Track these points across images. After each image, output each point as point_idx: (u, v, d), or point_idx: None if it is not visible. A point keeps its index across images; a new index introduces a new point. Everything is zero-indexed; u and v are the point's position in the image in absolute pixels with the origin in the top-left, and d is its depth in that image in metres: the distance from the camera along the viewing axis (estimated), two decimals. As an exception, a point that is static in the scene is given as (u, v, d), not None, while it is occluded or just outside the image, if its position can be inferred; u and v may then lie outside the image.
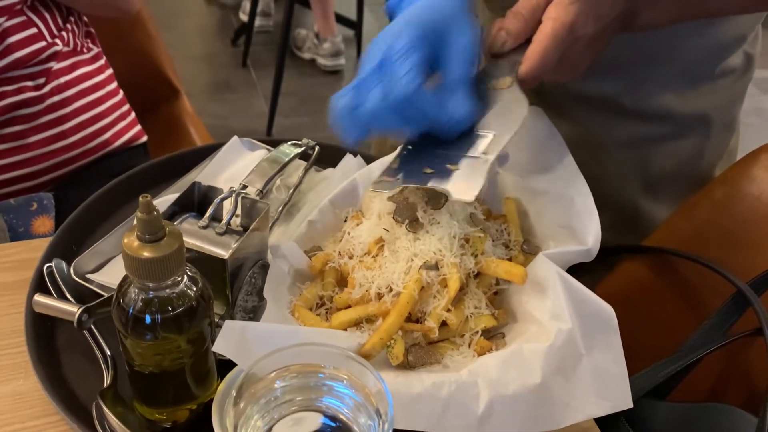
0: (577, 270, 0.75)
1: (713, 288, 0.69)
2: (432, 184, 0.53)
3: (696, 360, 0.62)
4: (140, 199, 0.41)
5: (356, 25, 2.69)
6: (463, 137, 0.55)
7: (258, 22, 2.66)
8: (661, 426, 0.63)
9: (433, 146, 0.56)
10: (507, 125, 0.55)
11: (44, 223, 0.90)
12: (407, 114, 0.51)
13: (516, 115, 0.56)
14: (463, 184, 0.52)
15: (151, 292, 0.44)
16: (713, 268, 0.66)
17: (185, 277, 0.46)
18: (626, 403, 0.53)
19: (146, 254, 0.42)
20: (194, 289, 0.46)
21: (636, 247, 0.75)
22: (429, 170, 0.54)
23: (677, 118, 0.74)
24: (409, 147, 0.57)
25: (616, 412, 0.54)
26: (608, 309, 0.54)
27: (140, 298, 0.44)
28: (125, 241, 0.42)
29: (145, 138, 1.08)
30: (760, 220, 0.68)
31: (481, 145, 0.55)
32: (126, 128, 1.05)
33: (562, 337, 0.51)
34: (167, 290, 0.44)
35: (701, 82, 0.73)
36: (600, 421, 0.58)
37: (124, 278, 0.45)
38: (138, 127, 1.07)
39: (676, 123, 0.74)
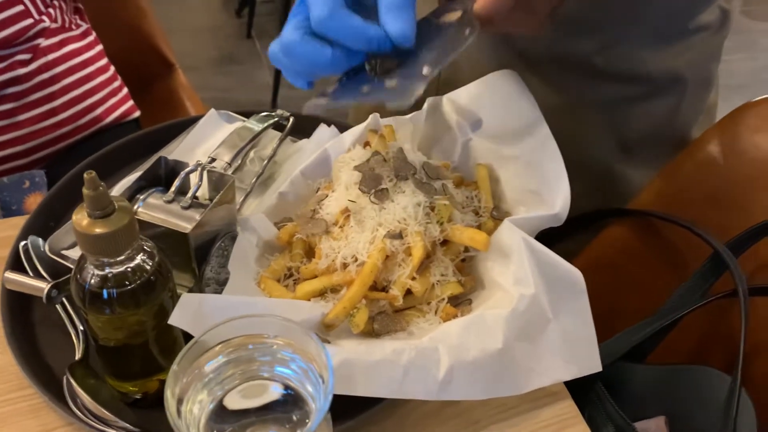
0: (560, 236, 0.75)
1: (697, 250, 0.68)
2: (365, 99, 0.51)
3: (673, 322, 0.62)
4: (85, 175, 0.41)
5: None
6: (404, 63, 0.52)
7: (261, -9, 2.64)
8: (639, 388, 0.63)
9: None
10: (450, 48, 0.52)
11: (37, 200, 0.92)
12: (333, 36, 0.48)
13: (460, 40, 0.52)
14: (400, 94, 0.49)
15: (106, 268, 0.45)
16: (692, 229, 0.65)
17: (141, 251, 0.46)
18: (595, 366, 0.54)
19: (97, 230, 0.42)
20: (151, 263, 0.46)
21: (618, 210, 0.74)
22: (366, 89, 0.51)
23: (651, 77, 0.72)
24: (349, 74, 0.53)
25: (591, 375, 0.54)
26: (575, 272, 0.54)
27: (96, 273, 0.45)
28: (75, 217, 0.42)
29: (137, 113, 1.08)
30: (743, 180, 0.67)
31: (422, 65, 0.52)
32: (117, 104, 1.05)
33: (525, 302, 0.51)
34: (122, 265, 0.45)
35: (674, 39, 0.71)
36: (575, 384, 0.58)
37: (82, 255, 0.46)
38: (130, 103, 1.08)
39: (650, 82, 0.72)
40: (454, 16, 0.54)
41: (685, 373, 0.62)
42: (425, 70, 0.49)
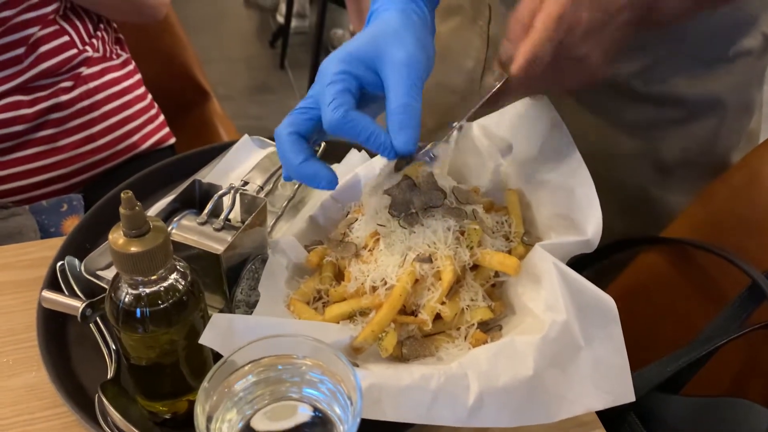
0: (591, 263, 0.74)
1: (733, 279, 0.66)
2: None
3: (709, 352, 0.60)
4: (122, 195, 0.42)
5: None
6: None
7: (294, 23, 2.70)
8: (674, 421, 0.61)
9: None
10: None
11: (74, 223, 0.93)
12: (345, 137, 0.52)
13: (485, 88, 0.54)
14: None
15: (140, 287, 0.45)
16: (728, 258, 0.63)
17: (175, 271, 0.47)
18: (628, 396, 0.52)
19: (132, 249, 0.43)
20: (183, 282, 0.47)
21: (652, 238, 0.73)
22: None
23: (689, 101, 0.71)
24: None
25: (624, 405, 0.52)
26: (608, 299, 0.53)
27: (130, 292, 0.45)
28: (111, 236, 0.43)
29: (173, 140, 1.11)
30: (780, 208, 0.66)
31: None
32: (154, 131, 1.08)
33: (557, 329, 0.50)
34: (155, 285, 0.45)
35: (715, 64, 0.70)
36: (607, 414, 0.57)
37: (116, 274, 0.46)
38: (166, 130, 1.10)
39: (688, 106, 0.72)
40: (495, 78, 0.55)
41: (723, 405, 0.60)
42: (454, 123, 0.56)
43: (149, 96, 1.09)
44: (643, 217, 0.77)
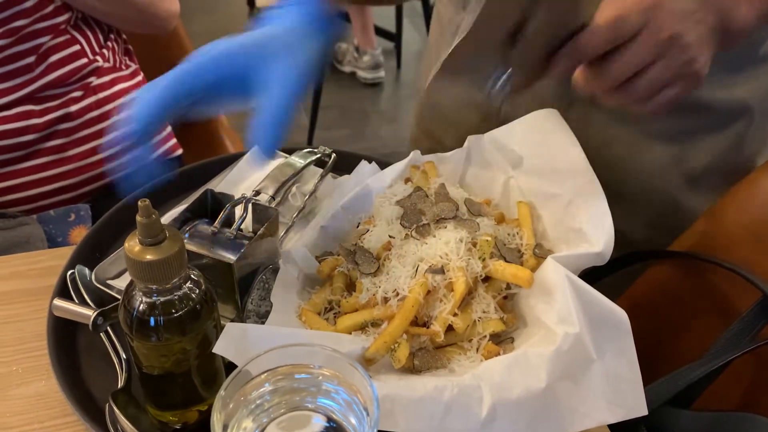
0: (601, 276, 0.74)
1: (743, 292, 0.66)
2: None
3: (721, 367, 0.60)
4: (139, 203, 0.42)
5: (396, 38, 2.71)
6: None
7: (299, 36, 2.71)
8: (685, 436, 0.61)
9: None
10: None
11: (81, 233, 0.94)
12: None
13: None
14: None
15: (154, 295, 0.45)
16: (739, 272, 0.63)
17: (189, 279, 0.47)
18: (640, 409, 0.52)
19: (147, 257, 0.43)
20: (197, 291, 0.47)
21: (662, 251, 0.73)
22: None
23: (716, 107, 0.71)
24: None
25: (634, 419, 0.52)
26: (620, 312, 0.53)
27: (144, 300, 0.45)
28: (127, 245, 0.43)
29: (180, 151, 1.11)
30: (790, 222, 0.66)
31: None
32: (161, 142, 1.08)
33: (570, 341, 0.50)
34: (170, 293, 0.45)
35: (743, 67, 0.70)
36: (619, 428, 0.57)
37: (130, 282, 0.46)
38: (173, 141, 1.11)
39: (717, 113, 0.71)
40: None
41: (734, 420, 0.60)
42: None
43: (157, 107, 1.10)
44: (672, 224, 0.76)
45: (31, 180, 0.94)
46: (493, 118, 0.80)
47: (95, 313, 0.55)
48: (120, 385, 0.54)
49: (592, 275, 0.73)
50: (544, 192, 0.62)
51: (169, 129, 1.11)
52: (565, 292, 0.52)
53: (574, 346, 0.50)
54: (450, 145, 0.81)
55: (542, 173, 0.62)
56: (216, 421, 0.36)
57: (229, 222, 0.57)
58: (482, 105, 0.81)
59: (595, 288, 0.55)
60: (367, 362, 0.52)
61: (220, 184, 0.72)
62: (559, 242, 0.59)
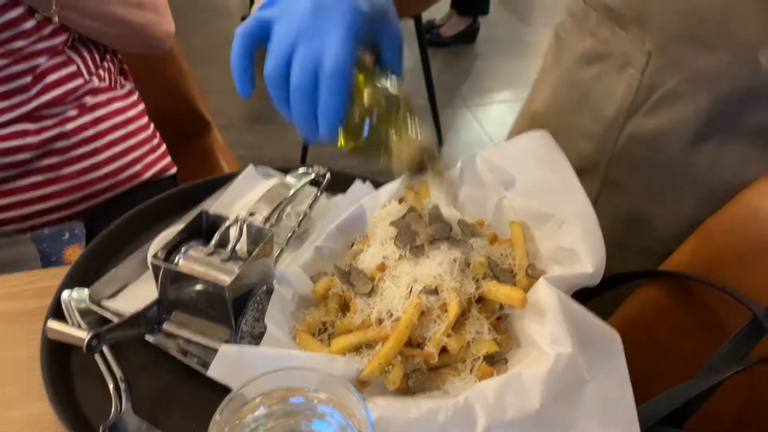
0: (590, 297, 0.74)
1: (735, 311, 0.67)
2: None
3: (713, 386, 0.60)
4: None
5: (390, 55, 2.72)
6: None
7: (294, 54, 2.72)
8: (678, 456, 0.61)
9: None
10: None
11: (75, 252, 0.94)
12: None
13: None
14: None
15: None
16: (729, 292, 0.64)
17: None
18: (633, 430, 0.52)
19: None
20: None
21: (653, 271, 0.74)
22: None
23: None
24: None
25: (627, 439, 0.53)
26: (612, 333, 0.54)
27: None
28: None
29: (174, 170, 1.12)
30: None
31: None
32: (156, 160, 1.08)
33: (563, 362, 0.50)
34: None
35: None
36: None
37: None
38: (168, 160, 1.11)
39: None
40: None
41: (727, 440, 0.60)
42: None
43: (152, 126, 1.10)
44: None
45: (25, 199, 0.95)
46: (608, 150, 0.79)
47: (90, 335, 0.55)
48: (113, 410, 0.54)
49: (584, 295, 0.73)
50: (537, 212, 0.62)
51: (164, 147, 1.11)
52: (557, 313, 0.52)
53: (567, 366, 0.50)
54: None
55: (535, 194, 0.63)
56: (211, 445, 0.36)
57: (223, 243, 0.57)
58: (595, 133, 0.80)
59: (587, 308, 0.55)
60: (362, 384, 0.52)
61: (214, 204, 0.72)
62: (551, 263, 0.60)
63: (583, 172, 0.81)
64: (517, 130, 0.94)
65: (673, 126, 0.73)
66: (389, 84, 0.55)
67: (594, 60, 0.79)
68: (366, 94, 0.53)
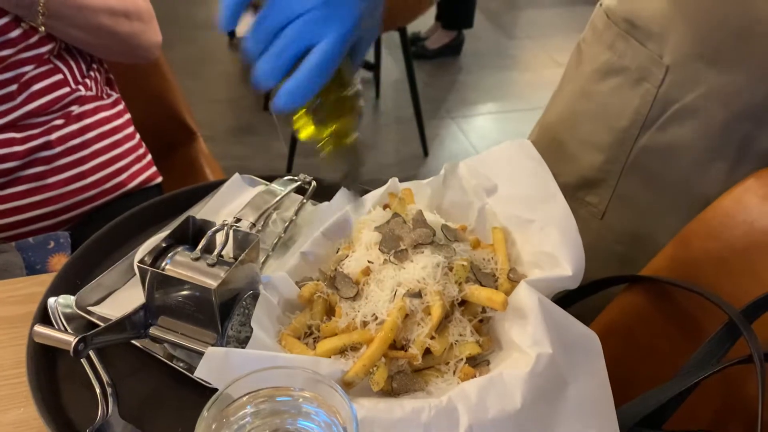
0: (576, 299, 0.76)
1: (712, 315, 0.68)
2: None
3: (690, 387, 0.62)
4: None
5: (374, 67, 2.75)
6: None
7: (279, 66, 2.74)
8: (657, 456, 0.62)
9: None
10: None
11: (60, 261, 0.94)
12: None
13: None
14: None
15: None
16: (706, 296, 0.66)
17: None
18: (612, 430, 0.53)
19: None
20: None
21: (632, 276, 0.75)
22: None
23: None
24: None
25: (607, 440, 0.54)
26: (592, 335, 0.55)
27: None
28: None
29: (159, 179, 1.12)
30: (754, 247, 0.68)
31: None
32: (141, 170, 1.09)
33: (543, 363, 0.51)
34: None
35: None
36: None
37: None
38: (153, 169, 1.11)
39: None
40: None
41: (704, 440, 0.61)
42: None
43: (138, 135, 1.11)
44: None
45: (10, 208, 0.94)
46: (620, 162, 0.80)
47: (76, 339, 0.55)
48: (100, 413, 0.54)
49: (566, 299, 0.75)
50: (518, 218, 0.64)
51: (149, 157, 1.11)
52: (537, 316, 0.53)
53: (547, 367, 0.51)
54: (569, 180, 0.82)
55: (516, 200, 0.64)
56: (198, 443, 0.37)
57: (210, 248, 0.58)
58: (606, 145, 0.81)
59: (568, 312, 0.56)
60: (347, 385, 0.53)
61: (201, 211, 0.73)
62: (532, 267, 0.61)
63: (594, 183, 0.83)
64: (533, 140, 0.95)
65: (685, 142, 0.74)
66: (356, 78, 0.56)
67: (611, 73, 0.80)
68: (337, 82, 0.54)
